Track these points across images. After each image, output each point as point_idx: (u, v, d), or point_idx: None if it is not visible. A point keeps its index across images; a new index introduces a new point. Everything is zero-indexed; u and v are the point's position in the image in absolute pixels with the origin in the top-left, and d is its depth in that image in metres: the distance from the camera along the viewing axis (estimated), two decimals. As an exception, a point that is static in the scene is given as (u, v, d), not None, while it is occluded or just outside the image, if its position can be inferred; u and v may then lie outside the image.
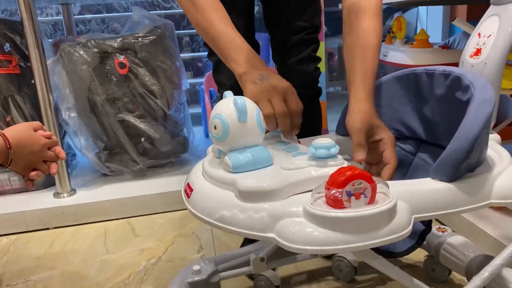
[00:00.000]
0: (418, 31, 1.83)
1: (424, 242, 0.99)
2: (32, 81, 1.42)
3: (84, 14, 3.01)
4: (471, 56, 0.79)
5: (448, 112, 0.75)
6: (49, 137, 0.88)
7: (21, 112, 1.51)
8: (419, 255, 1.06)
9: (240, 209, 0.56)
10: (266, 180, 0.57)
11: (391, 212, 0.54)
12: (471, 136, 0.59)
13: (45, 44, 1.48)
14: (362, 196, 0.53)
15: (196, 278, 0.88)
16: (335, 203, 0.53)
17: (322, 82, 1.93)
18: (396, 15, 1.98)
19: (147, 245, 1.29)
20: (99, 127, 1.56)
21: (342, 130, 0.88)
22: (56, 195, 1.51)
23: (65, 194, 1.51)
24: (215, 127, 0.63)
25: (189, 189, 0.65)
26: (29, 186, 0.88)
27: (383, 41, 2.05)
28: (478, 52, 0.77)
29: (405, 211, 0.57)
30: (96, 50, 1.45)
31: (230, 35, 0.76)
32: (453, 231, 0.98)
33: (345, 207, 0.53)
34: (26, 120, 1.52)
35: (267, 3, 1.11)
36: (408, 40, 1.88)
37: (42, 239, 1.37)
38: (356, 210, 0.52)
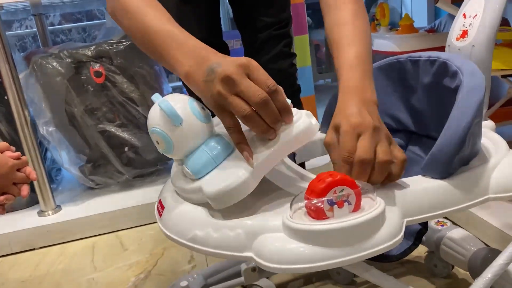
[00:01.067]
0: (403, 16, 1.78)
1: (424, 238, 0.94)
2: (5, 97, 1.36)
3: (63, 24, 2.94)
4: (457, 39, 0.73)
5: (437, 101, 0.70)
6: (17, 158, 0.83)
7: (-3, 130, 1.45)
8: (419, 251, 1.01)
9: (214, 227, 0.51)
10: (232, 174, 0.51)
11: (380, 218, 0.49)
12: (462, 128, 0.53)
13: (17, 58, 1.42)
14: (346, 203, 0.48)
15: (183, 296, 0.83)
16: (317, 214, 0.47)
17: (309, 75, 1.88)
18: (379, 2, 1.92)
19: (136, 259, 1.23)
20: (80, 140, 1.50)
21: (327, 127, 0.83)
22: (41, 213, 1.45)
23: (49, 212, 1.45)
24: (157, 142, 0.57)
25: (160, 207, 0.60)
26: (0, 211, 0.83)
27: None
28: (464, 34, 0.72)
29: (396, 216, 0.52)
30: (69, 60, 1.39)
31: (170, 32, 0.60)
32: (453, 224, 0.93)
33: (328, 218, 0.48)
34: (3, 138, 1.47)
35: (233, 2, 1.05)
36: (393, 27, 1.83)
37: (28, 260, 1.32)
38: (340, 220, 0.47)
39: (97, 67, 1.41)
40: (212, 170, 0.54)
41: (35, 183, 1.42)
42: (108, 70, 1.44)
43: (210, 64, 0.53)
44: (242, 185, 0.50)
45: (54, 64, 1.38)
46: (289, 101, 0.55)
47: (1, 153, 0.81)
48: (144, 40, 0.62)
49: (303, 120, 0.54)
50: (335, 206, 0.47)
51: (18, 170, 0.82)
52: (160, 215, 0.59)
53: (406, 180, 0.56)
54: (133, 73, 1.47)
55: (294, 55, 1.08)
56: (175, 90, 2.44)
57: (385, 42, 1.64)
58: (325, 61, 3.16)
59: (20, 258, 1.34)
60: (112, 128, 1.49)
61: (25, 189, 0.82)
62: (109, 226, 1.42)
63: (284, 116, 0.53)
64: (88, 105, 1.45)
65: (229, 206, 0.51)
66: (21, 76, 1.39)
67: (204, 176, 0.54)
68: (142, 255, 1.25)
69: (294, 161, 0.77)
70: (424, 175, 0.57)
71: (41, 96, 1.41)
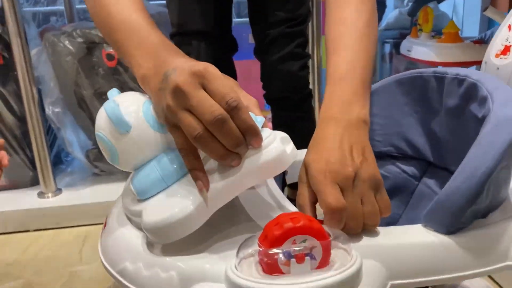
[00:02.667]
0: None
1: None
2: (16, 72, 1.32)
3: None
4: (497, 56, 0.60)
5: (460, 130, 0.57)
6: None
7: (7, 104, 1.41)
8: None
9: (146, 262, 0.41)
10: (178, 204, 0.41)
11: (353, 280, 0.37)
12: (481, 173, 0.41)
13: (32, 32, 1.38)
14: (308, 258, 0.37)
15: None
16: (268, 267, 0.37)
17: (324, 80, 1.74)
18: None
19: (124, 257, 1.16)
20: (89, 124, 1.44)
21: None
22: (40, 194, 1.41)
23: (49, 194, 1.40)
24: (103, 149, 0.47)
25: (104, 223, 0.50)
26: None
27: (409, 34, 1.84)
28: (506, 50, 0.58)
29: (378, 276, 0.40)
30: (81, 40, 1.33)
31: (133, 24, 0.50)
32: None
33: (282, 273, 0.37)
34: (13, 113, 1.43)
35: None
36: (437, 34, 1.67)
37: (19, 242, 1.27)
38: (296, 279, 0.36)
39: (110, 49, 1.35)
40: (160, 192, 0.45)
41: (37, 163, 1.38)
42: (122, 53, 1.37)
43: (166, 70, 0.43)
44: (186, 219, 0.40)
45: (66, 42, 1.32)
46: (261, 118, 0.44)
47: None
48: (106, 32, 0.53)
49: (275, 146, 0.43)
50: (293, 260, 0.36)
51: None
52: (101, 233, 0.50)
53: (399, 229, 0.45)
54: (147, 59, 1.39)
55: (307, 56, 0.96)
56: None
57: (424, 50, 1.49)
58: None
59: (13, 238, 1.30)
60: (121, 115, 1.42)
61: None
62: (104, 216, 1.36)
63: (249, 138, 0.41)
64: (97, 89, 1.38)
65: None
66: (33, 52, 1.35)
67: (150, 198, 0.45)
68: (131, 253, 1.18)
69: (284, 180, 0.66)
70: (424, 225, 0.45)
71: (51, 75, 1.36)
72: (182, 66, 0.42)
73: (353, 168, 0.45)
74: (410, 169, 0.68)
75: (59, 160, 1.63)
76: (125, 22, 0.51)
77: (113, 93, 0.48)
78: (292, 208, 0.47)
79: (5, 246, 1.26)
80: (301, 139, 1.00)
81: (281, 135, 0.45)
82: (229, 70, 0.99)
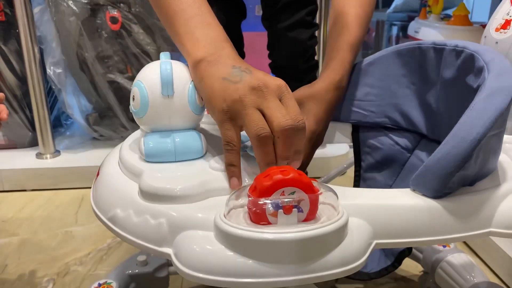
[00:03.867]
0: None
1: (421, 255, 0.83)
2: (17, 31, 1.31)
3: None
4: (496, 30, 0.60)
5: (456, 101, 0.57)
6: None
7: (8, 63, 1.41)
8: (417, 268, 0.90)
9: (136, 209, 0.42)
10: (180, 180, 0.43)
11: (338, 234, 0.39)
12: (471, 139, 0.42)
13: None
14: (295, 210, 0.37)
15: (139, 271, 0.76)
16: (256, 217, 0.38)
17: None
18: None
19: (119, 220, 1.18)
20: (90, 87, 1.44)
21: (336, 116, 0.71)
22: (39, 155, 1.42)
23: (48, 155, 1.41)
24: (133, 98, 0.49)
25: (97, 173, 0.51)
26: None
27: (418, 15, 1.82)
28: (506, 24, 0.58)
29: (363, 233, 0.41)
30: (85, 1, 1.32)
31: (196, 6, 0.51)
32: (457, 247, 0.81)
33: (269, 224, 0.38)
34: (14, 73, 1.43)
35: None
36: (446, 16, 1.65)
37: (16, 201, 1.29)
38: (282, 229, 0.37)
39: (114, 12, 1.33)
40: (165, 163, 0.46)
41: (37, 123, 1.38)
42: (125, 17, 1.36)
43: (236, 65, 0.46)
44: (183, 198, 0.42)
45: (70, 2, 1.31)
46: None
47: None
48: (161, 12, 0.53)
49: None
50: (280, 211, 0.37)
51: None
52: (93, 182, 0.51)
53: (387, 191, 0.45)
54: (151, 24, 1.38)
55: (316, 26, 0.95)
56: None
57: (432, 32, 1.48)
58: (373, 46, 2.97)
59: (9, 196, 1.32)
60: (122, 80, 1.42)
61: None
62: (103, 180, 1.37)
63: (292, 160, 0.44)
64: (100, 52, 1.38)
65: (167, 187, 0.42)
66: (36, 10, 1.34)
67: (153, 163, 0.46)
68: (126, 216, 1.20)
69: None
70: (413, 190, 0.46)
71: (53, 35, 1.35)
72: (259, 72, 0.46)
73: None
74: (403, 141, 0.69)
75: (58, 123, 1.63)
76: (190, 4, 0.51)
77: (166, 55, 0.51)
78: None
79: (2, 204, 1.28)
80: None
81: None
82: (238, 37, 0.98)
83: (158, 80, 0.47)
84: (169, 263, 0.79)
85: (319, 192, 0.38)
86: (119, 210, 0.43)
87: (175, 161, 0.48)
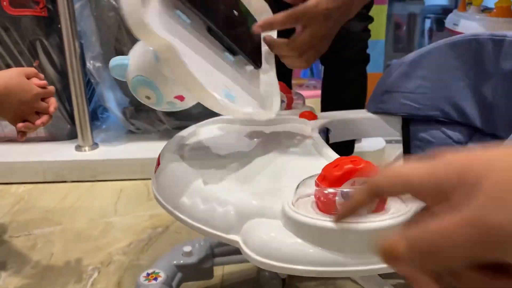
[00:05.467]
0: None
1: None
2: (59, 26, 1.34)
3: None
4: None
5: (516, 94, 0.56)
6: (43, 87, 0.80)
7: (49, 57, 1.44)
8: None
9: (203, 197, 0.42)
10: None
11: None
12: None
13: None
14: (365, 200, 0.37)
15: (184, 261, 0.77)
16: (326, 206, 0.38)
17: (381, 50, 1.70)
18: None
19: (158, 211, 1.19)
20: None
21: (374, 106, 0.71)
22: (78, 148, 1.45)
23: (86, 148, 1.44)
24: None
25: (157, 163, 0.52)
26: (18, 138, 0.81)
27: (456, 7, 1.77)
28: None
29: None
30: (125, -4, 1.34)
31: None
32: None
33: (338, 214, 0.38)
34: (54, 67, 1.46)
35: None
36: (487, 8, 1.61)
37: (57, 191, 1.32)
38: (354, 220, 0.37)
39: (151, 7, 1.35)
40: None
41: (76, 116, 1.42)
42: (163, 12, 1.37)
43: None
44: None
45: (109, -2, 1.33)
46: None
47: (28, 79, 0.78)
48: None
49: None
50: (350, 201, 0.37)
51: (43, 99, 0.80)
52: (155, 172, 0.51)
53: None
54: (187, 19, 1.39)
55: (370, 19, 0.95)
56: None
57: (474, 24, 1.44)
58: (404, 39, 2.93)
59: (51, 187, 1.35)
60: (159, 74, 1.44)
61: (43, 119, 0.79)
62: (140, 172, 1.39)
63: None
64: (137, 46, 1.40)
65: (228, 175, 0.42)
66: (76, 5, 1.36)
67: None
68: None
69: (327, 138, 0.67)
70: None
71: (93, 29, 1.38)
72: None
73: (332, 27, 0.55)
74: (456, 134, 0.67)
75: (95, 116, 1.66)
76: None
77: None
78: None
79: (44, 194, 1.31)
80: (352, 99, 1.00)
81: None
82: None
83: None
84: (213, 254, 0.80)
85: (389, 183, 0.38)
86: (185, 198, 0.43)
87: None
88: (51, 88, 0.82)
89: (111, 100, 1.50)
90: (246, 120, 0.66)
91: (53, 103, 0.81)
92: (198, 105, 0.54)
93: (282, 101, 0.68)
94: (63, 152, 1.44)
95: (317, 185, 0.38)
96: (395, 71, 0.69)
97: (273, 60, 0.59)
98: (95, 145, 1.46)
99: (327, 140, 0.69)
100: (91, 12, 1.36)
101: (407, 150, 0.71)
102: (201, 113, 1.55)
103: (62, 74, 1.45)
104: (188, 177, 0.45)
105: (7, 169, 1.38)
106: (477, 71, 0.62)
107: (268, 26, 0.57)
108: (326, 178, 0.37)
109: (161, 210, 1.16)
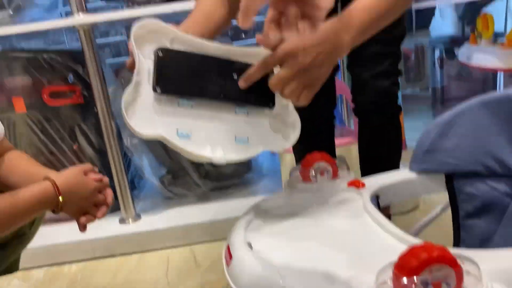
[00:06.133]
0: (508, 27, 1.60)
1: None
2: (96, 110, 1.42)
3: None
4: None
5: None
6: (99, 180, 0.85)
7: (87, 140, 1.53)
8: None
9: (287, 292, 0.46)
10: None
11: (486, 304, 0.41)
12: None
13: (107, 71, 1.49)
14: (444, 285, 0.40)
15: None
16: (406, 294, 0.41)
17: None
18: (482, 12, 1.74)
19: (209, 278, 1.23)
20: (162, 151, 1.54)
21: (417, 166, 0.74)
22: (121, 221, 1.50)
23: (129, 220, 1.50)
24: None
25: (228, 255, 0.56)
26: (81, 230, 0.86)
27: (463, 36, 1.82)
28: None
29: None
30: (154, 75, 1.42)
31: None
32: None
33: (419, 300, 0.41)
34: (93, 148, 1.54)
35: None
36: (497, 38, 1.65)
37: (108, 267, 1.37)
38: None
39: (180, 82, 1.43)
40: None
41: (118, 191, 1.48)
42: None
43: None
44: None
45: (140, 78, 1.42)
46: None
47: (86, 175, 0.84)
48: None
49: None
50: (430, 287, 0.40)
51: (99, 192, 0.85)
52: (228, 264, 0.55)
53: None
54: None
55: (399, 73, 1.00)
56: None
57: (487, 57, 1.49)
58: (414, 69, 2.98)
59: (102, 264, 1.40)
60: (192, 142, 1.50)
61: (102, 211, 0.84)
62: (184, 238, 1.44)
63: None
64: (170, 119, 1.47)
65: (301, 262, 0.46)
66: (110, 89, 1.45)
67: None
68: (214, 274, 1.24)
69: (378, 204, 0.70)
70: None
71: (127, 109, 1.45)
72: None
73: (307, 62, 0.59)
74: (501, 186, 0.70)
75: (133, 186, 1.73)
76: None
77: None
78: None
79: (96, 271, 1.36)
80: (387, 149, 1.03)
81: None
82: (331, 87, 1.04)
83: None
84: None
85: (462, 266, 0.41)
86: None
87: None
88: (106, 180, 0.87)
89: (149, 171, 1.57)
90: (297, 189, 0.71)
91: (109, 194, 0.86)
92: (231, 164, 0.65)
93: (327, 171, 0.73)
94: (108, 226, 1.49)
95: (394, 274, 0.41)
96: (433, 131, 0.73)
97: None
98: (137, 216, 1.52)
99: (378, 206, 0.72)
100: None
101: (454, 205, 0.74)
102: (234, 172, 1.61)
103: (101, 152, 1.53)
104: (266, 274, 0.49)
105: (57, 250, 1.43)
106: (512, 126, 0.66)
107: (249, 80, 0.64)
108: (404, 267, 0.41)
109: (210, 277, 1.19)
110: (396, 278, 0.41)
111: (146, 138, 0.61)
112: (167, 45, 0.64)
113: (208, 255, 1.36)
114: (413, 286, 0.40)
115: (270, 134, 0.67)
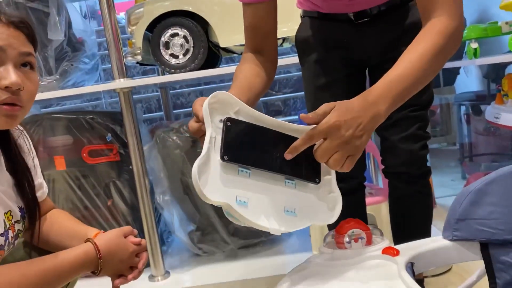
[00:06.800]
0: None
1: None
2: (130, 167, 1.48)
3: (184, 88, 3.20)
4: None
5: None
6: (138, 244, 0.87)
7: (121, 196, 1.58)
8: None
9: None
10: None
11: None
12: None
13: (143, 130, 1.56)
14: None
15: None
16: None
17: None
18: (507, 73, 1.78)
19: None
20: (192, 208, 1.57)
21: (450, 234, 0.75)
22: (151, 278, 1.52)
23: (159, 277, 1.51)
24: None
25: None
26: None
27: (488, 92, 1.84)
28: None
29: None
30: (188, 134, 1.49)
31: None
32: None
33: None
34: (125, 203, 1.59)
35: (373, 80, 1.05)
36: (523, 99, 1.67)
37: (137, 325, 1.36)
38: None
39: (212, 141, 1.49)
40: None
41: (148, 247, 1.50)
42: (222, 143, 1.50)
43: None
44: None
45: (174, 138, 1.48)
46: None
47: (125, 237, 0.85)
48: None
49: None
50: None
51: (136, 255, 0.86)
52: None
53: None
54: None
55: (427, 137, 1.02)
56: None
57: (515, 117, 1.50)
58: (440, 124, 3.00)
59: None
60: (222, 199, 1.53)
61: (135, 274, 0.85)
62: (214, 297, 1.43)
63: None
64: (201, 176, 1.51)
65: None
66: (145, 147, 1.52)
67: None
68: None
69: (412, 271, 0.70)
70: None
71: (161, 167, 1.51)
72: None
73: (349, 134, 0.64)
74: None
75: (161, 242, 1.75)
76: None
77: None
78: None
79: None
80: (419, 213, 1.04)
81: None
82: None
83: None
84: None
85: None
86: None
87: None
88: (144, 243, 0.88)
89: (178, 227, 1.60)
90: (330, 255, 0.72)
91: (143, 258, 0.87)
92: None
93: (361, 238, 0.74)
94: (138, 284, 1.48)
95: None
96: (464, 199, 0.73)
97: (331, 172, 0.70)
98: (167, 274, 1.53)
99: (412, 272, 0.72)
100: (158, 151, 1.51)
101: (491, 272, 0.73)
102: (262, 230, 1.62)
103: (133, 208, 1.57)
104: None
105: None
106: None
107: (294, 151, 0.67)
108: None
109: None
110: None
111: (213, 203, 0.63)
112: (232, 115, 0.67)
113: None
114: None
115: (316, 207, 0.69)
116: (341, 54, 0.99)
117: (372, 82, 1.06)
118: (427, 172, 1.05)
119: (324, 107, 0.66)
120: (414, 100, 0.99)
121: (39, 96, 0.95)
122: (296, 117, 2.79)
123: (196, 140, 1.50)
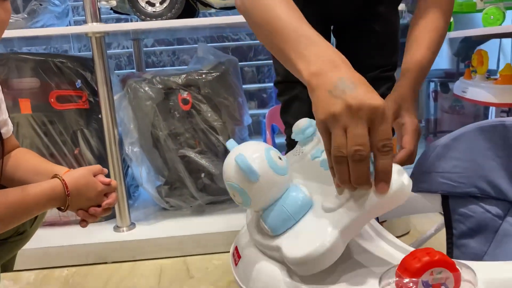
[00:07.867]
0: (501, 65, 1.67)
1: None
2: (100, 116, 1.45)
3: (156, 46, 3.12)
4: None
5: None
6: (107, 184, 0.86)
7: (88, 145, 1.55)
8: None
9: (292, 289, 0.48)
10: (317, 238, 0.49)
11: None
12: None
13: (114, 79, 1.52)
14: (443, 287, 0.43)
15: None
16: (407, 294, 0.44)
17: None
18: (477, 48, 1.83)
19: (200, 289, 1.24)
20: (161, 162, 1.56)
21: (415, 186, 0.78)
22: (116, 228, 1.51)
23: (124, 228, 1.51)
24: (233, 195, 0.56)
25: (236, 255, 0.58)
26: (81, 225, 0.86)
27: (457, 71, 1.90)
28: None
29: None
30: (160, 86, 1.46)
31: (300, 29, 0.56)
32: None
33: (420, 301, 0.43)
34: (92, 152, 1.56)
35: (342, 38, 1.06)
36: (489, 75, 1.72)
37: (100, 274, 1.37)
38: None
39: (185, 94, 1.47)
40: (291, 227, 0.53)
41: (115, 198, 1.49)
42: (195, 98, 1.49)
43: (343, 78, 0.49)
44: (329, 252, 0.47)
45: (146, 88, 1.46)
46: (398, 167, 0.51)
47: (94, 176, 0.84)
48: (270, 33, 0.59)
49: (395, 179, 0.49)
50: (430, 289, 0.43)
51: (105, 195, 0.85)
52: (236, 264, 0.58)
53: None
54: (217, 103, 1.51)
55: (393, 73, 1.06)
56: (253, 117, 2.48)
57: (481, 92, 1.55)
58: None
59: (94, 269, 1.40)
60: (192, 154, 1.53)
61: (97, 210, 0.84)
62: (178, 250, 1.45)
63: (378, 182, 0.49)
64: (172, 130, 1.50)
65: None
66: (115, 97, 1.48)
67: (282, 233, 0.53)
68: (206, 285, 1.25)
69: (377, 218, 0.73)
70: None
71: (131, 118, 1.49)
72: (361, 89, 0.48)
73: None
74: (494, 208, 0.74)
75: (128, 196, 1.74)
76: (292, 26, 0.57)
77: (232, 143, 0.58)
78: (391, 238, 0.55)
79: (87, 277, 1.36)
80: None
81: (397, 168, 0.51)
82: None
83: (242, 174, 0.53)
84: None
85: (460, 271, 0.44)
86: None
87: (296, 222, 0.53)
88: (114, 184, 0.87)
89: (146, 180, 1.59)
90: None
91: (111, 198, 0.86)
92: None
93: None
94: (102, 233, 1.50)
95: (398, 275, 0.44)
96: (431, 153, 0.76)
97: None
98: (132, 225, 1.53)
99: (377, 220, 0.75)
100: (128, 102, 1.48)
101: (449, 223, 0.77)
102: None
103: (100, 159, 1.55)
104: (274, 272, 0.51)
105: (49, 253, 1.43)
106: (506, 151, 0.70)
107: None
108: (407, 269, 0.44)
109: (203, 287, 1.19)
110: (399, 280, 0.44)
111: None
112: None
113: (200, 267, 1.37)
114: (414, 286, 0.43)
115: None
116: (317, 10, 0.99)
117: (340, 42, 1.07)
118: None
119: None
120: (385, 60, 1.02)
121: (5, 34, 0.90)
122: (270, 84, 2.79)
123: (168, 92, 1.48)
